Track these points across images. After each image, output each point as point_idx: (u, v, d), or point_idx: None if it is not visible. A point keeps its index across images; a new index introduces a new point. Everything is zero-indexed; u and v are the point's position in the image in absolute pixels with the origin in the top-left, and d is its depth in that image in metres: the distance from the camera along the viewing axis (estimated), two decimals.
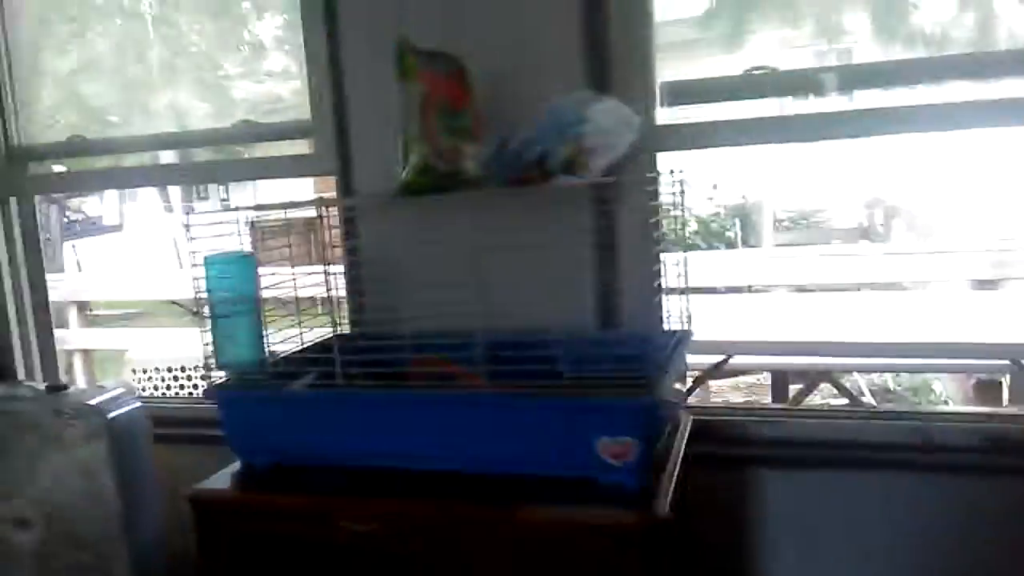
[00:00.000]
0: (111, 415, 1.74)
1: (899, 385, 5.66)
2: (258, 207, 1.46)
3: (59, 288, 5.87)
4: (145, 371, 5.72)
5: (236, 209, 1.46)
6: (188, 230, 1.41)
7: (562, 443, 1.25)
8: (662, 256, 1.64)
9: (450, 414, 1.31)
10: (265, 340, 1.47)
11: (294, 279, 1.57)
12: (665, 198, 1.53)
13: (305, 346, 1.62)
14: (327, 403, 1.39)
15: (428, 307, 1.61)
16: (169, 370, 5.38)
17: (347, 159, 1.82)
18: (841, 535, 1.64)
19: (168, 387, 5.35)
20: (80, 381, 5.84)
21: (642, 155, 1.59)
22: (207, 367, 1.44)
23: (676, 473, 1.30)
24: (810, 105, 1.77)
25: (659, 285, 1.68)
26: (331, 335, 1.55)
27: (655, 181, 1.53)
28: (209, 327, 1.44)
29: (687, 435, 1.48)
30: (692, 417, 1.57)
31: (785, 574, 1.68)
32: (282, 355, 1.54)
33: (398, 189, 1.40)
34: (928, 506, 1.58)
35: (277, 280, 1.47)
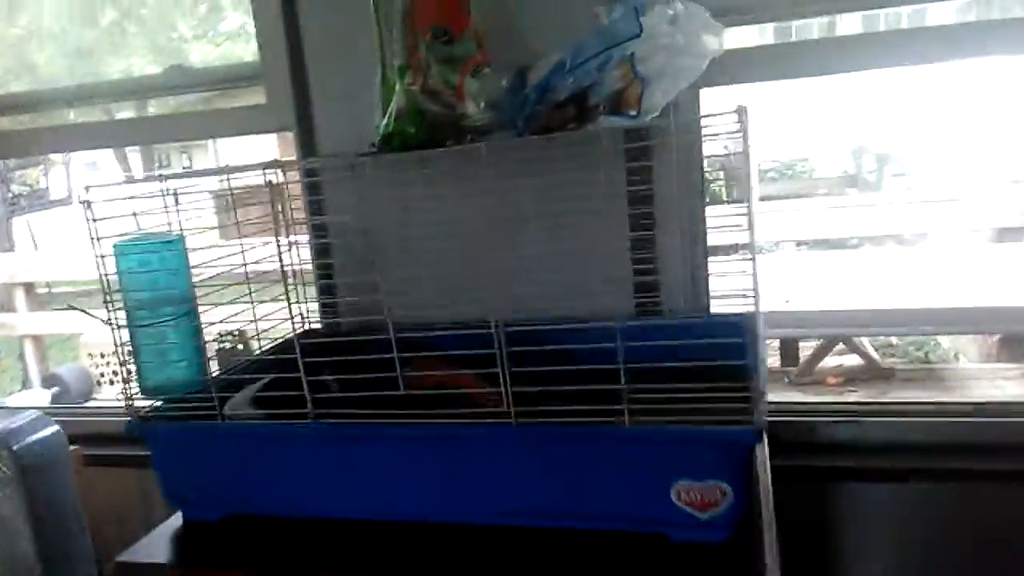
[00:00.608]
0: (18, 446, 1.36)
1: (901, 340, 5.39)
2: (185, 174, 1.07)
3: (3, 269, 5.39)
4: (103, 355, 5.29)
5: (158, 178, 1.07)
6: (89, 207, 1.02)
7: (622, 489, 0.90)
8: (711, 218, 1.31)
9: (462, 452, 0.95)
10: (205, 350, 1.10)
11: (244, 267, 1.21)
12: (714, 144, 1.18)
13: (263, 351, 1.26)
14: (291, 439, 1.02)
15: (417, 293, 1.25)
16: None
17: (307, 110, 1.44)
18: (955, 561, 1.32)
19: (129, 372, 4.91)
20: (32, 369, 5.41)
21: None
22: (128, 394, 1.07)
23: (773, 519, 0.96)
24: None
25: (706, 256, 1.35)
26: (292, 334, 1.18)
27: (699, 124, 1.18)
28: (127, 339, 1.07)
29: (766, 449, 1.14)
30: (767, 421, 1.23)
31: None
32: (231, 368, 1.18)
33: (377, 143, 1.02)
34: None
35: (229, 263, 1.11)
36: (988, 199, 4.32)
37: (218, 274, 1.13)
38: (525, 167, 1.05)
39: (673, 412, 0.87)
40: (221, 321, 1.13)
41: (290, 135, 1.48)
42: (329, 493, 1.02)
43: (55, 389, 4.23)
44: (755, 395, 0.86)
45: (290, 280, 1.15)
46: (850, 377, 3.97)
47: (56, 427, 1.45)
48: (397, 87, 1.00)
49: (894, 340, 5.40)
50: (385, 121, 1.00)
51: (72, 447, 1.55)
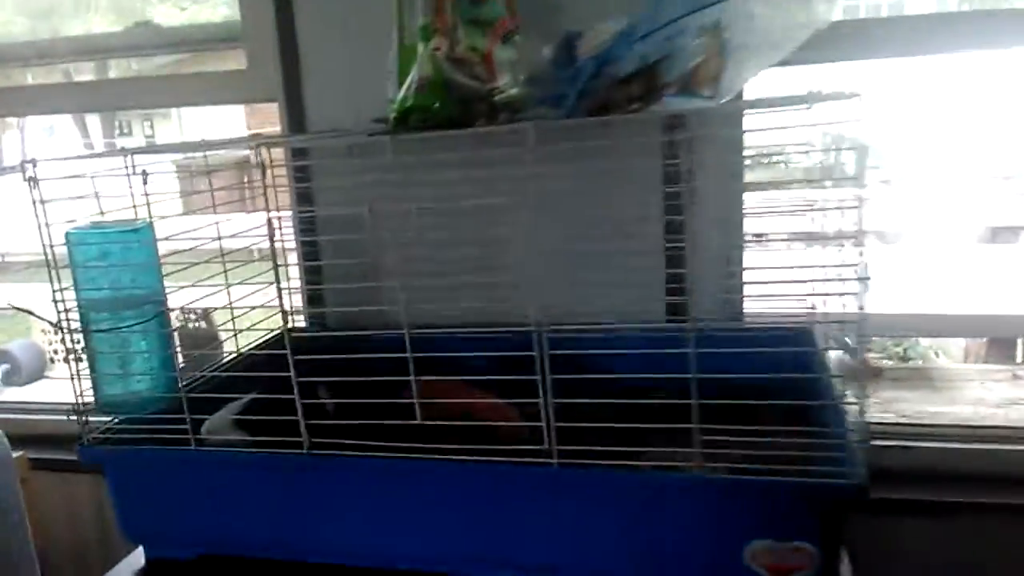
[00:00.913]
0: None
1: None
2: (154, 149, 0.89)
3: None
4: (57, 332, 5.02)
5: (122, 153, 0.88)
6: (36, 186, 0.84)
7: (684, 547, 0.75)
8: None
9: (490, 496, 0.79)
10: (176, 360, 0.92)
11: (222, 255, 1.05)
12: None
13: (242, 353, 1.09)
14: (281, 470, 0.85)
15: (422, 293, 1.08)
16: None
17: (296, 78, 1.26)
18: None
19: None
20: None
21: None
22: (80, 410, 0.89)
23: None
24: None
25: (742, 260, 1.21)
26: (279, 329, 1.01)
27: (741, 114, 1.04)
28: (81, 346, 0.89)
29: None
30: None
31: None
32: (205, 377, 1.00)
33: (391, 119, 0.85)
34: None
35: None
36: (980, 196, 4.24)
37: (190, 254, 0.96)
38: (565, 152, 0.88)
39: (746, 455, 0.73)
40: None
41: (266, 106, 1.31)
42: (323, 534, 0.85)
43: (5, 366, 4.01)
44: (855, 438, 0.71)
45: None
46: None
47: None
48: (419, 51, 0.83)
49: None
50: (403, 93, 0.82)
51: (17, 453, 1.37)
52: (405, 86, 0.83)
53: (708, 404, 0.73)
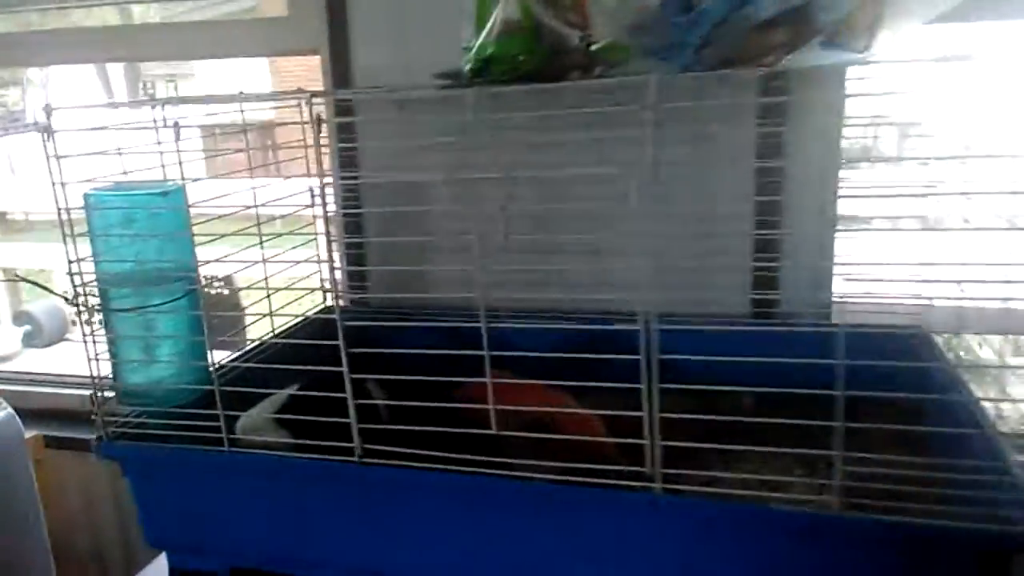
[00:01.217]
0: None
1: None
2: (189, 99, 0.77)
3: None
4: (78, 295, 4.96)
5: (151, 104, 0.76)
6: (50, 138, 0.72)
7: None
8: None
9: (577, 525, 0.67)
10: (208, 345, 0.80)
11: (259, 230, 0.93)
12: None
13: (277, 338, 0.97)
14: (329, 480, 0.73)
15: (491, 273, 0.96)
16: None
17: (342, 27, 1.13)
18: None
19: None
20: (3, 304, 5.08)
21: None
22: (98, 399, 0.78)
23: None
24: None
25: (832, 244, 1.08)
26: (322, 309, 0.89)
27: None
28: (101, 327, 0.77)
29: None
30: None
31: None
32: (240, 365, 0.88)
33: (468, 71, 0.72)
34: None
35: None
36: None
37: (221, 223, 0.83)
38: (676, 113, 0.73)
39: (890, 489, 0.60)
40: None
41: (293, 70, 1.18)
42: (373, 553, 0.74)
43: (27, 327, 3.94)
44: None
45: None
46: None
47: (6, 410, 1.16)
48: None
49: None
50: (482, 39, 0.69)
51: (31, 433, 1.27)
52: (485, 31, 0.69)
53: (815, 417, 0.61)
